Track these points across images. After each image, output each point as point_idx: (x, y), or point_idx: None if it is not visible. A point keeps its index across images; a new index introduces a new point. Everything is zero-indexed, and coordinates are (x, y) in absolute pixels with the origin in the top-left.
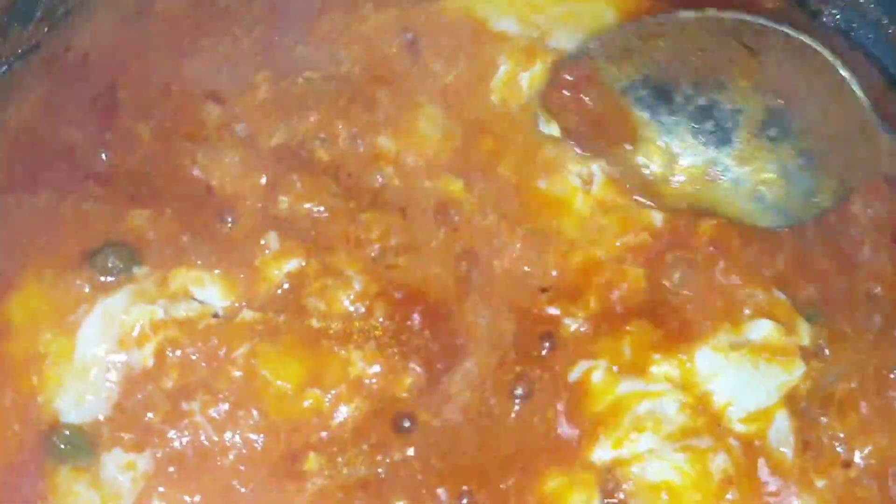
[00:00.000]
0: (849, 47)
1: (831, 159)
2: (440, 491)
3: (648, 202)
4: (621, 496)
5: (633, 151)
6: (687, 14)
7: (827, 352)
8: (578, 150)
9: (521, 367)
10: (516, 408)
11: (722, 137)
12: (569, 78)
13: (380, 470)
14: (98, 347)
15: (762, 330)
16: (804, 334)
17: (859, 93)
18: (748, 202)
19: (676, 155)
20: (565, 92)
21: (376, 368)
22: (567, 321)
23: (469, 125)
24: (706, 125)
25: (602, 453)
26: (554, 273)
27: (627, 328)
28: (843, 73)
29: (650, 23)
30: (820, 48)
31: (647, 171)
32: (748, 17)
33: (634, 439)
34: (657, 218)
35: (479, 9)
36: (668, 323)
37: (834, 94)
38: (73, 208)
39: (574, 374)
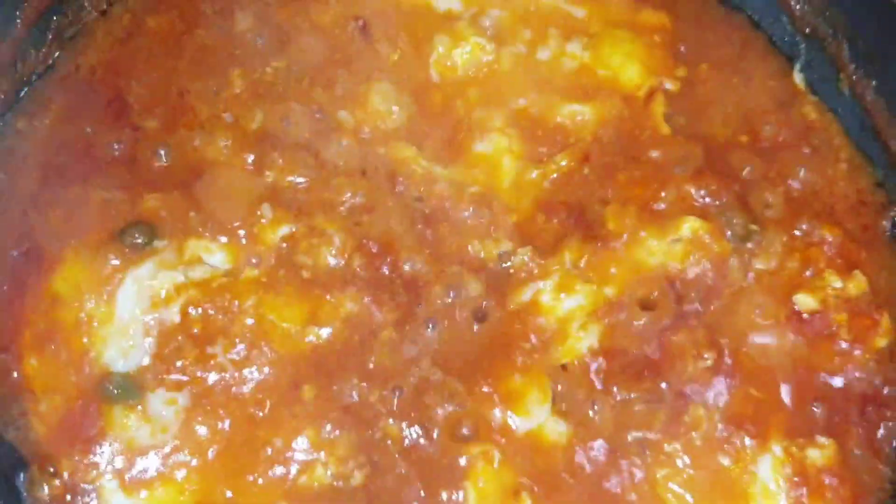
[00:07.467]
0: None
1: None
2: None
3: None
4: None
5: None
6: None
7: None
8: None
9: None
10: (477, 327)
11: None
12: None
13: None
14: (134, 309)
15: None
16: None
17: None
18: None
19: None
20: None
21: (357, 308)
22: (516, 255)
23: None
24: None
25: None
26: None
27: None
28: None
29: None
30: None
31: None
32: None
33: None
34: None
35: None
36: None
37: None
38: (99, 196)
39: (525, 296)
